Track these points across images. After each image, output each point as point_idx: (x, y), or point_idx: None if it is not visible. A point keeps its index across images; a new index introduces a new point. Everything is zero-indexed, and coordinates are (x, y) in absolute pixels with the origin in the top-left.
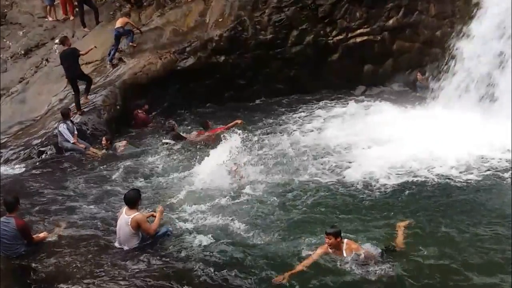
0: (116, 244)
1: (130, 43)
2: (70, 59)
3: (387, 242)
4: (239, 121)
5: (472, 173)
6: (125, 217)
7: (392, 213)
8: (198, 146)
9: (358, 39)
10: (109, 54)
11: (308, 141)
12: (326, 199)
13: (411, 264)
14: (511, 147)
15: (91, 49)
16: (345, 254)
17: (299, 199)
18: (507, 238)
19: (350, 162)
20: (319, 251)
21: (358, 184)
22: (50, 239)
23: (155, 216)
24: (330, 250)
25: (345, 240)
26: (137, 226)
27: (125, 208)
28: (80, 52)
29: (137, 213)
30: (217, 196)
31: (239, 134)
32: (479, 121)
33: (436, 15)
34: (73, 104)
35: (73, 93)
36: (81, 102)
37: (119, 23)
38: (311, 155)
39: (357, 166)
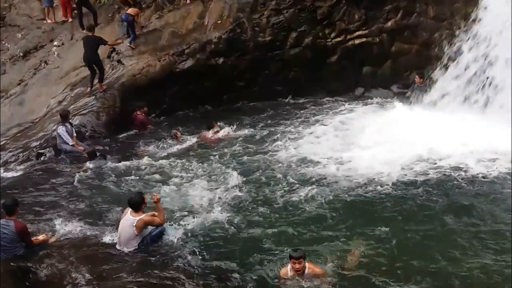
0: (116, 246)
1: (129, 45)
2: (91, 45)
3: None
4: None
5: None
6: (131, 219)
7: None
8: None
9: (357, 41)
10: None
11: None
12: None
13: None
14: (511, 148)
15: (118, 42)
16: (308, 278)
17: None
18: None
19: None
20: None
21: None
22: (49, 241)
23: (156, 215)
24: (290, 275)
25: (307, 264)
26: (143, 227)
27: (129, 210)
28: (108, 43)
29: (143, 215)
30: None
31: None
32: (476, 123)
33: (434, 17)
34: (72, 106)
35: (72, 95)
36: (97, 88)
37: (130, 11)
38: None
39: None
